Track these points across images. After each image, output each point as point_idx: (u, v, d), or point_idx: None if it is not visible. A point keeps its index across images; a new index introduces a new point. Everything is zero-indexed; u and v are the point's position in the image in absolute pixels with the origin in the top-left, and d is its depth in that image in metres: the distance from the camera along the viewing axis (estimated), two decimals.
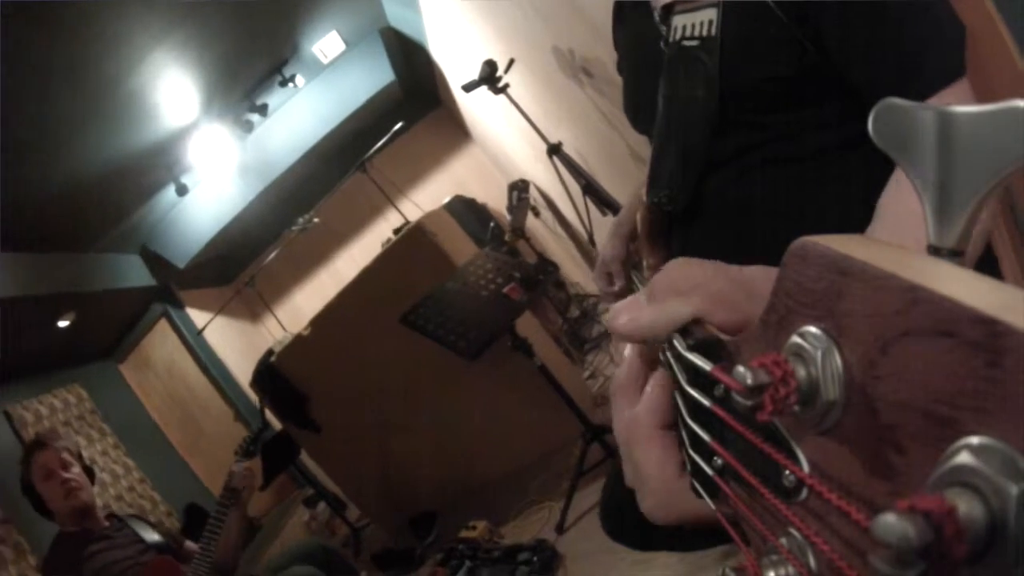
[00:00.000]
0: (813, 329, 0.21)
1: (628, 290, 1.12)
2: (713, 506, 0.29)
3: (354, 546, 3.48)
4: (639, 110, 1.02)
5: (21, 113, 2.83)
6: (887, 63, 0.71)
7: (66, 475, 1.83)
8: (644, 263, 0.95)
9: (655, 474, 0.31)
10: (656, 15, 0.88)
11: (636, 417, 0.32)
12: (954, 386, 0.16)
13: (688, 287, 0.29)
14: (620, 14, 1.05)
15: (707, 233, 0.89)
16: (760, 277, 0.29)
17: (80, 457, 1.95)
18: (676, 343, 0.30)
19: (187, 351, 5.80)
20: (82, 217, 4.12)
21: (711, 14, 0.78)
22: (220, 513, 1.87)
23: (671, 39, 0.83)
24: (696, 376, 0.29)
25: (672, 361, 0.31)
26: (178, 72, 3.65)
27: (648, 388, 0.32)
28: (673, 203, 0.89)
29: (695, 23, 0.80)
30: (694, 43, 0.80)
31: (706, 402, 0.28)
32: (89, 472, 1.95)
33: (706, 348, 0.28)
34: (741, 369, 0.21)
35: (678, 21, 0.82)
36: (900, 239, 0.64)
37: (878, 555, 0.16)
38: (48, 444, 1.88)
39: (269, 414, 3.04)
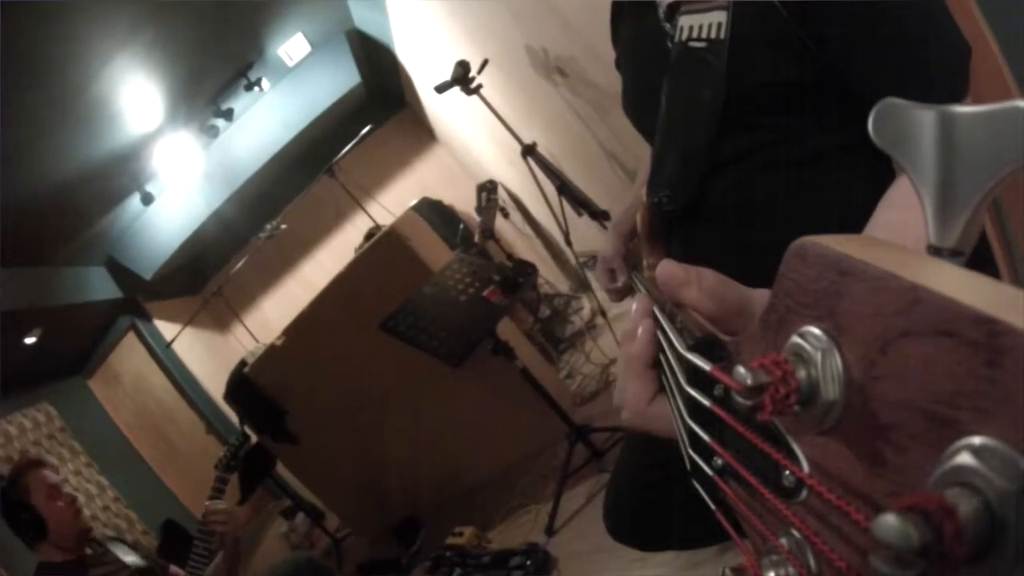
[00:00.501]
0: (813, 329, 0.21)
1: (629, 287, 1.12)
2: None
3: (336, 557, 3.43)
4: (640, 109, 1.01)
5: None
6: (891, 81, 0.71)
7: (71, 494, 1.76)
8: (644, 263, 0.95)
9: (632, 399, 0.43)
10: (661, 13, 0.88)
11: (630, 355, 0.43)
12: (954, 386, 0.16)
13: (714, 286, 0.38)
14: (619, 12, 1.04)
15: (707, 234, 0.89)
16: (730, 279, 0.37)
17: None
18: (676, 342, 0.30)
19: (156, 364, 5.66)
20: (46, 229, 3.99)
21: (720, 16, 0.77)
22: (203, 542, 1.80)
23: (677, 39, 0.83)
24: (696, 376, 0.29)
25: (665, 326, 0.39)
26: (142, 77, 3.56)
27: (639, 333, 0.42)
28: (674, 203, 0.89)
29: (703, 24, 0.79)
30: (701, 44, 0.79)
31: (706, 402, 0.28)
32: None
33: (706, 348, 0.28)
34: (741, 369, 0.21)
35: (684, 22, 0.82)
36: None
37: (878, 555, 0.16)
38: (45, 464, 1.80)
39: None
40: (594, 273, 1.24)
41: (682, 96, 0.84)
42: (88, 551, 1.81)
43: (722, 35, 0.77)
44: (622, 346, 0.45)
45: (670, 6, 0.86)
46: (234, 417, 3.03)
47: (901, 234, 0.66)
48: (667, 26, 0.86)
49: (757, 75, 0.78)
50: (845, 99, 0.76)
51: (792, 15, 0.73)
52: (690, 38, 0.81)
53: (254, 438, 3.03)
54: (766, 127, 0.82)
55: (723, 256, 0.87)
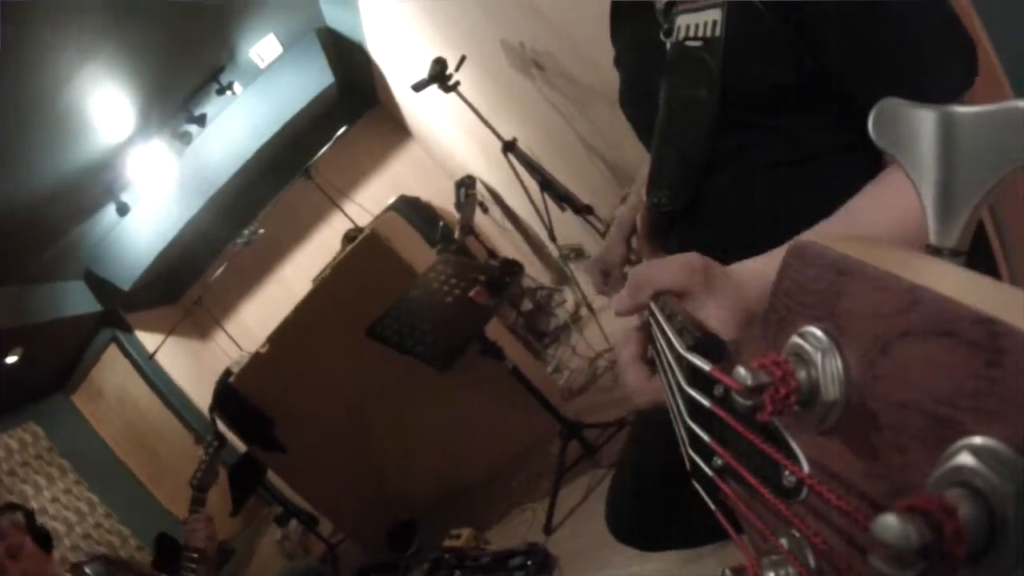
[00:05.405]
0: (813, 329, 0.21)
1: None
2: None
3: (331, 563, 3.41)
4: (638, 108, 1.00)
5: None
6: (895, 87, 0.70)
7: (12, 568, 1.61)
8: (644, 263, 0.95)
9: (631, 381, 0.56)
10: (658, 13, 0.87)
11: (620, 353, 0.58)
12: (954, 386, 0.16)
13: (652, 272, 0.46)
14: (618, 10, 1.03)
15: (707, 233, 0.89)
16: (721, 266, 0.45)
17: (30, 522, 1.73)
18: (675, 342, 0.30)
19: (140, 376, 5.59)
20: (20, 245, 3.91)
21: (715, 14, 0.77)
22: (191, 562, 1.74)
23: (674, 39, 0.82)
24: (696, 376, 0.29)
25: (654, 323, 0.45)
26: (112, 85, 3.49)
27: (634, 336, 0.55)
28: (673, 203, 0.88)
29: (699, 23, 0.79)
30: (697, 43, 0.79)
31: (706, 402, 0.28)
32: (43, 538, 1.73)
33: (706, 348, 0.28)
34: (741, 369, 0.20)
35: (681, 21, 0.81)
36: (851, 228, 0.65)
37: (878, 555, 0.16)
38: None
39: (232, 436, 2.94)
40: (579, 266, 1.24)
41: (680, 96, 0.84)
42: None
43: (717, 33, 0.77)
44: (616, 347, 0.58)
45: (667, 5, 0.85)
46: (221, 426, 2.98)
47: (858, 217, 0.65)
48: (664, 25, 0.86)
49: (754, 73, 0.77)
50: (843, 97, 0.75)
51: (788, 22, 0.72)
52: (687, 37, 0.81)
53: (232, 443, 2.97)
54: (763, 125, 0.81)
55: (723, 255, 0.87)
